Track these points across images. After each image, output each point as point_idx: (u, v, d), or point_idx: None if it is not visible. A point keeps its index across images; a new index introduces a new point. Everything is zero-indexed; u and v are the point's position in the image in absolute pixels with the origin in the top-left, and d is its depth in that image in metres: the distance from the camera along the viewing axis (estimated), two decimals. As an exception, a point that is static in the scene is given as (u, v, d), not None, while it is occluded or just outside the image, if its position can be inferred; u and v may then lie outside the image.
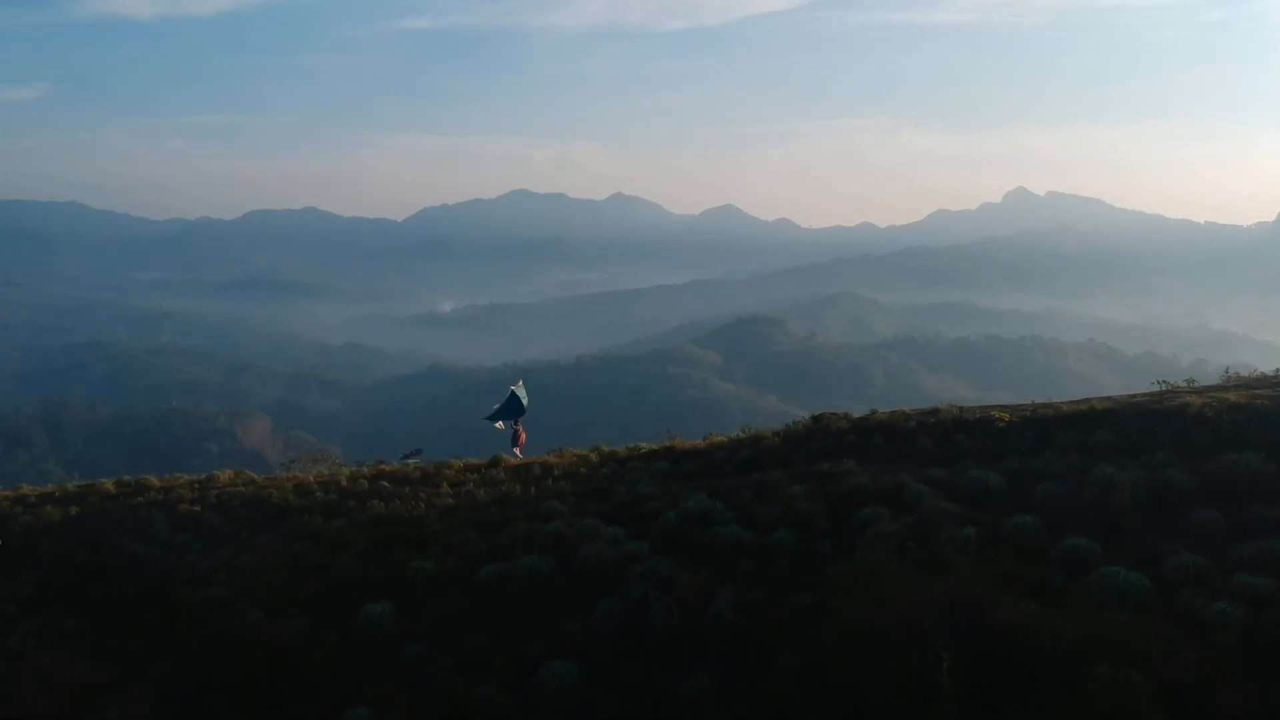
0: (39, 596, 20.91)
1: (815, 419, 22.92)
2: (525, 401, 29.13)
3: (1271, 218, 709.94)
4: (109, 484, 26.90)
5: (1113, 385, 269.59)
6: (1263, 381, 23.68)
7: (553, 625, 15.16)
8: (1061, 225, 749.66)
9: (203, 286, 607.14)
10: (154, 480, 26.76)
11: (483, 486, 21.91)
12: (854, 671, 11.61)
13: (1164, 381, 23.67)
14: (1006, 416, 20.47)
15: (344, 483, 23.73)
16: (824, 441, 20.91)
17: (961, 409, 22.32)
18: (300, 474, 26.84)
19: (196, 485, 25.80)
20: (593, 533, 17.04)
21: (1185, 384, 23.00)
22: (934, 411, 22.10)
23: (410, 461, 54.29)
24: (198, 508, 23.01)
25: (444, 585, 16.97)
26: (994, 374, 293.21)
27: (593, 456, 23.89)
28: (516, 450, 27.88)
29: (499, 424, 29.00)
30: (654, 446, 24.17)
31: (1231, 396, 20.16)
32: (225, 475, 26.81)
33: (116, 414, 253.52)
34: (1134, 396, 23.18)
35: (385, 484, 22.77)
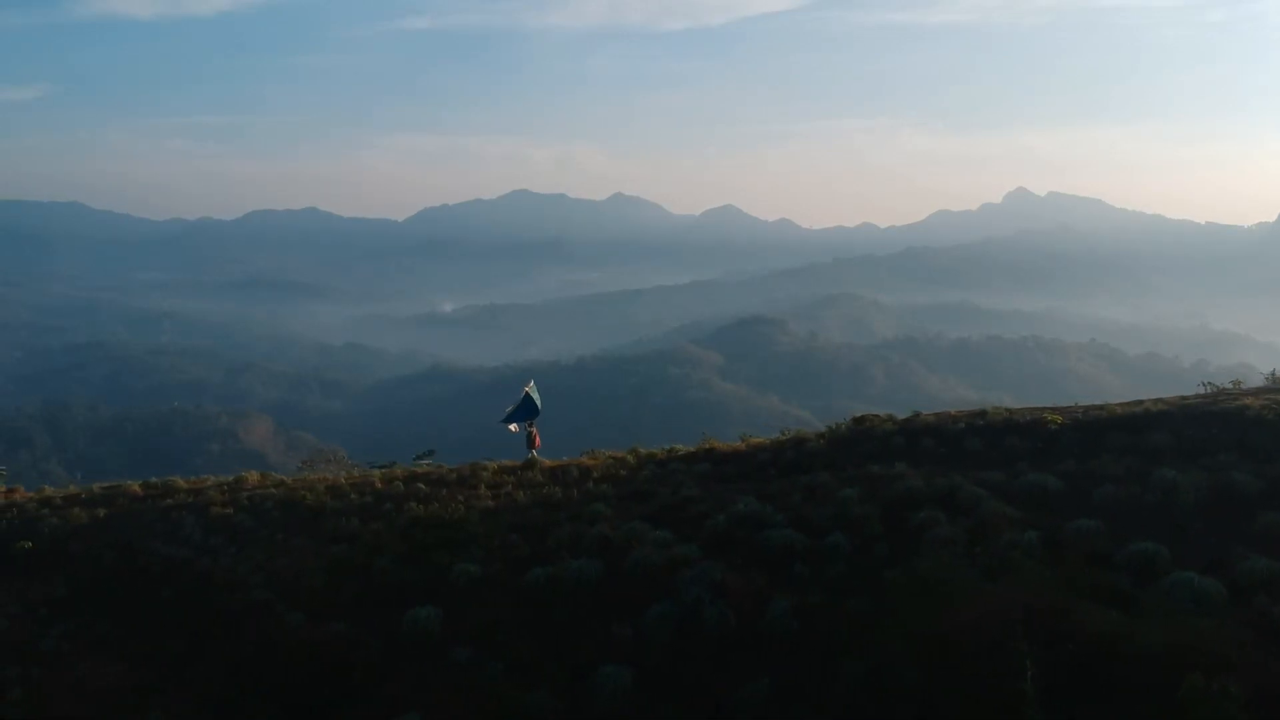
0: (71, 599, 20.68)
1: (857, 421, 22.68)
2: (539, 403, 28.87)
3: (1272, 218, 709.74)
4: (135, 486, 26.65)
5: (1115, 386, 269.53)
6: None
7: (603, 630, 14.92)
8: (1062, 225, 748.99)
9: (203, 287, 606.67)
10: (181, 482, 26.51)
11: (521, 489, 21.66)
12: (924, 679, 11.38)
13: (1209, 383, 23.44)
14: (1059, 419, 20.22)
15: (378, 484, 23.47)
16: (871, 444, 20.66)
17: (1011, 411, 22.08)
18: (331, 475, 26.54)
19: (226, 487, 25.54)
20: (639, 536, 16.80)
21: (1232, 385, 22.75)
22: (981, 414, 21.84)
23: (424, 463, 54.06)
24: (229, 510, 22.76)
25: (488, 589, 16.74)
26: (995, 374, 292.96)
27: (630, 459, 23.63)
28: (532, 452, 27.64)
29: (513, 426, 28.76)
30: (692, 448, 23.92)
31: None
32: (254, 477, 26.56)
33: (118, 414, 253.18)
34: (1186, 399, 22.95)
35: (421, 486, 22.50)
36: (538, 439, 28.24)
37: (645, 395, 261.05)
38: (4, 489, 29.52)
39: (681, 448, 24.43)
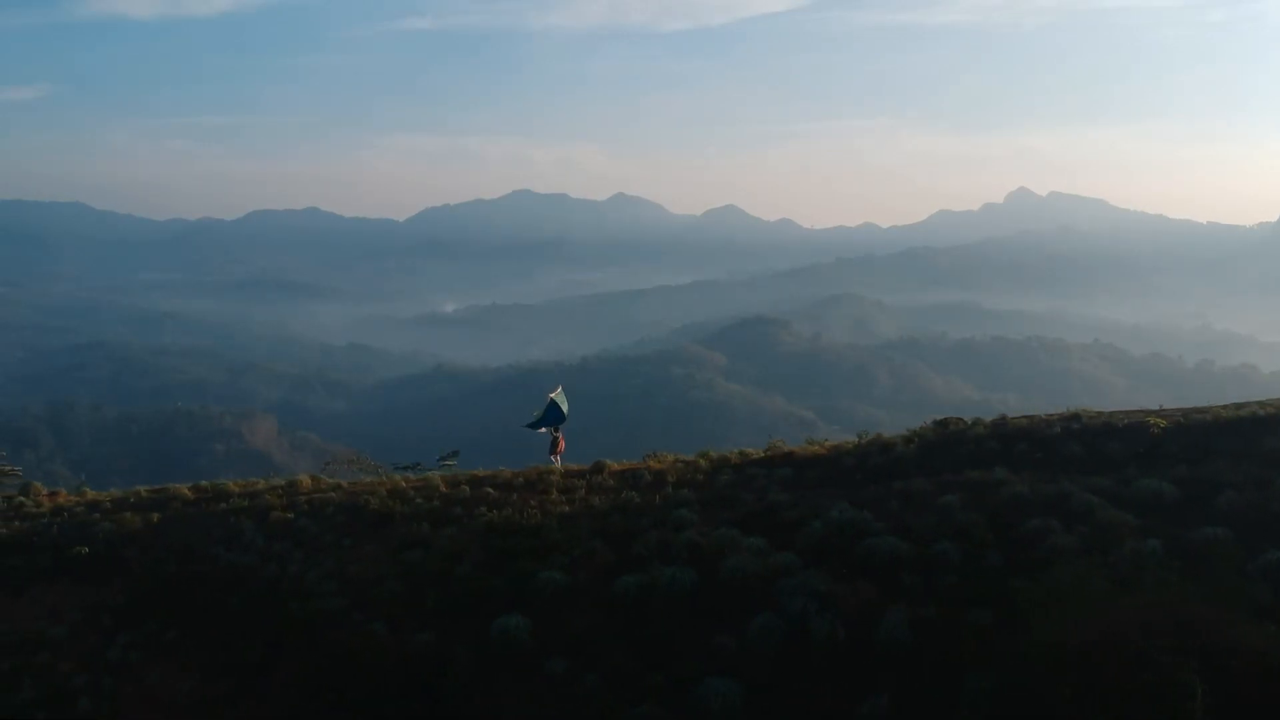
0: (133, 607, 20.27)
1: (939, 424, 22.29)
2: (566, 409, 28.52)
3: (1274, 218, 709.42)
4: (185, 489, 26.25)
5: (1120, 387, 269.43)
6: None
7: (703, 641, 14.51)
8: (1064, 226, 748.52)
9: (204, 287, 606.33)
10: (232, 485, 26.11)
11: (596, 493, 21.25)
12: (1063, 694, 10.97)
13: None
14: (1161, 423, 19.80)
15: (443, 488, 23.06)
16: (962, 449, 20.24)
17: (1109, 414, 21.66)
18: (388, 479, 26.13)
19: (280, 491, 25.13)
20: (732, 543, 16.39)
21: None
22: (1075, 416, 21.43)
23: (449, 463, 53.66)
24: (290, 515, 22.33)
25: (576, 597, 16.33)
26: (1000, 375, 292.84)
27: (701, 462, 23.22)
28: (555, 458, 27.28)
29: (541, 430, 28.44)
30: (765, 452, 23.50)
31: None
32: (307, 481, 26.15)
33: (122, 414, 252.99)
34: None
35: (489, 490, 22.09)
36: (562, 444, 27.90)
37: (649, 396, 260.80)
38: (46, 491, 29.16)
39: (753, 451, 24.03)
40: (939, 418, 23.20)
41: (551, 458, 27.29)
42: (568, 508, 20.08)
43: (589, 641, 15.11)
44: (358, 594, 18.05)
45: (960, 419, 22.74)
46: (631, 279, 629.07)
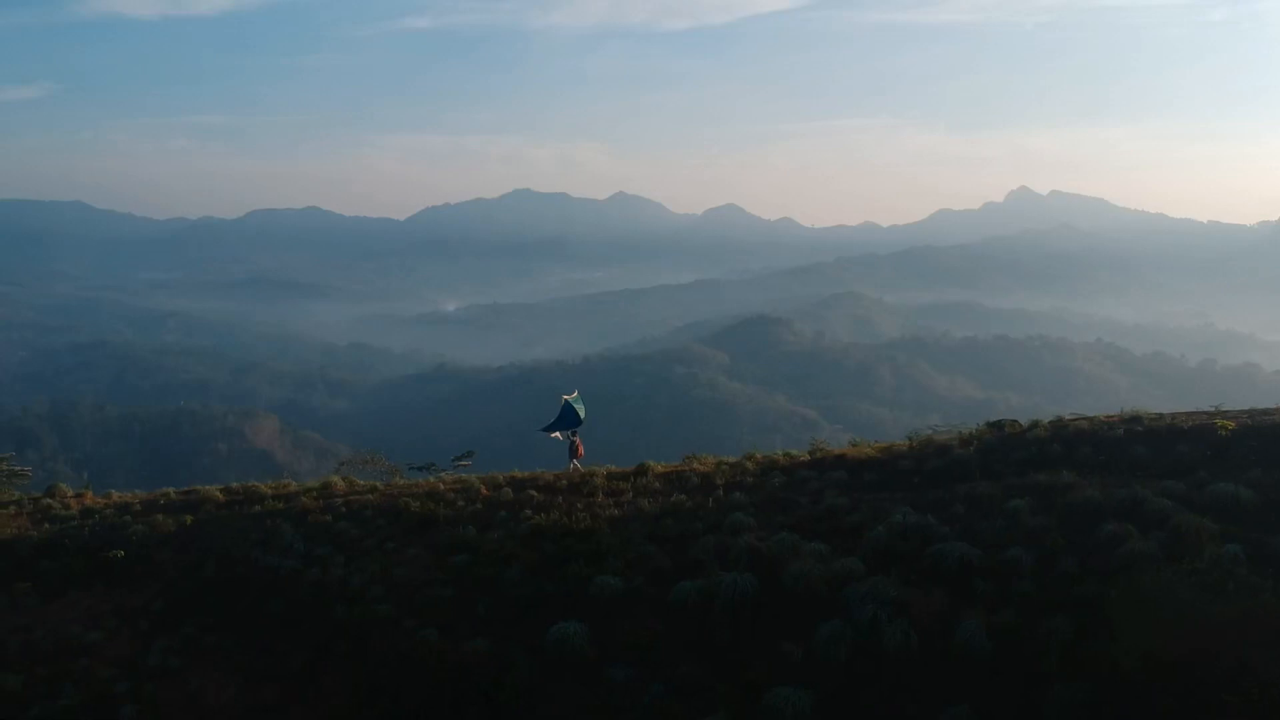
0: (170, 611, 19.94)
1: (993, 426, 21.95)
2: (582, 412, 28.19)
3: (1275, 217, 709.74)
4: (216, 491, 25.90)
5: (1122, 386, 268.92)
6: None
7: (769, 649, 14.21)
8: (1065, 225, 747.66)
9: (205, 286, 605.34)
10: (264, 487, 25.76)
11: (644, 496, 20.88)
12: (1164, 706, 10.66)
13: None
14: (1229, 424, 19.43)
15: (484, 490, 22.70)
16: (1025, 451, 19.89)
17: (1171, 415, 21.32)
18: (426, 481, 25.79)
19: (315, 493, 24.77)
20: (793, 549, 16.05)
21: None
22: (1135, 418, 21.10)
23: (462, 464, 53.33)
24: (328, 517, 21.98)
25: (633, 603, 16.01)
26: (1003, 374, 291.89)
27: (748, 464, 22.84)
28: (575, 462, 26.97)
29: (556, 435, 28.12)
30: (811, 454, 23.13)
31: None
32: (340, 482, 25.81)
33: (125, 414, 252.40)
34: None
35: (533, 493, 21.73)
36: (580, 448, 27.60)
37: (652, 395, 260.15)
38: (72, 493, 28.82)
39: (799, 453, 23.69)
40: (992, 420, 22.87)
41: (572, 461, 26.99)
42: (617, 511, 19.70)
43: (651, 649, 14.80)
44: (405, 599, 17.72)
45: (1015, 421, 22.43)
46: (632, 278, 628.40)
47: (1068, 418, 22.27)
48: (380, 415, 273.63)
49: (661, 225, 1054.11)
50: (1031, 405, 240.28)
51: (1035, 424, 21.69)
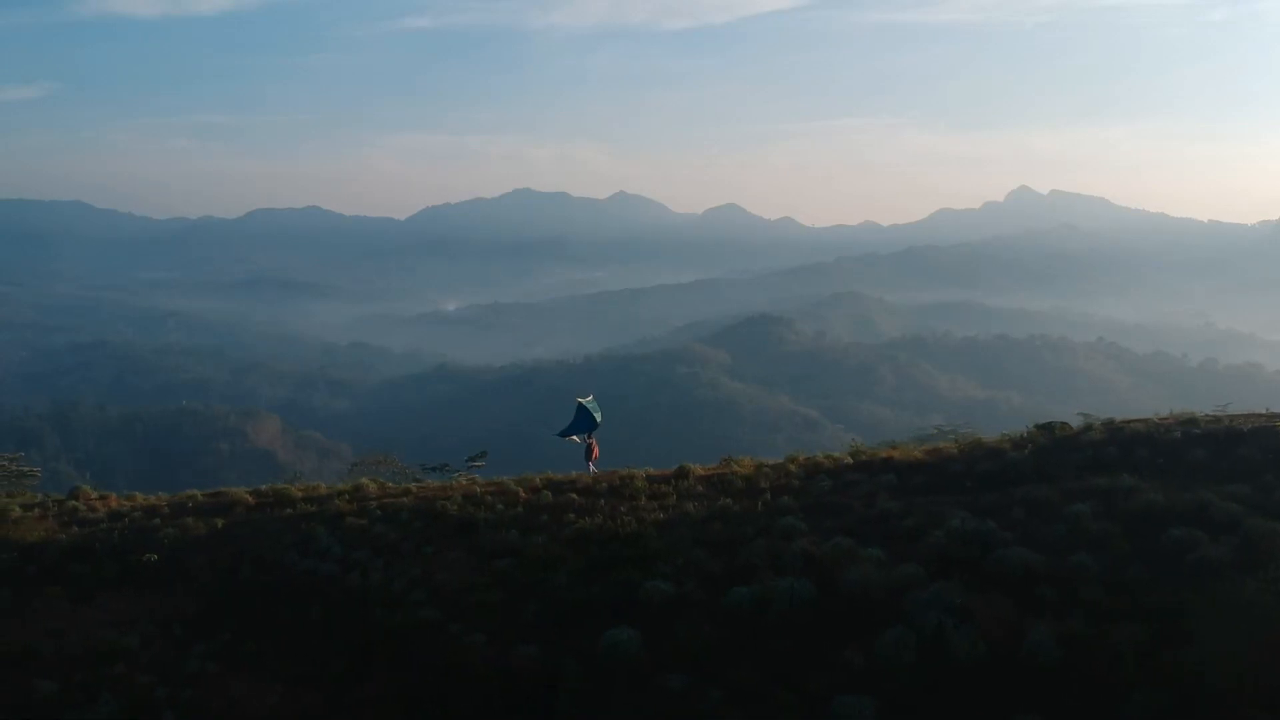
0: (206, 616, 19.72)
1: (1044, 428, 21.74)
2: (597, 416, 27.99)
3: (1276, 216, 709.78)
4: (244, 493, 25.68)
5: (1123, 385, 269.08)
6: None
7: (830, 656, 13.98)
8: (1065, 224, 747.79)
9: (205, 286, 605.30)
10: (295, 490, 25.54)
11: (689, 500, 20.67)
12: (1250, 717, 10.45)
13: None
14: None
15: (522, 494, 22.49)
16: (1079, 454, 19.68)
17: (1229, 417, 21.11)
18: (461, 483, 25.58)
19: (346, 496, 24.55)
20: (848, 554, 15.85)
21: None
22: (1192, 421, 20.89)
23: (475, 465, 53.08)
24: (364, 521, 21.76)
25: (685, 609, 15.78)
26: (1005, 374, 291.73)
27: (791, 467, 22.62)
28: (591, 465, 26.78)
29: (574, 438, 27.96)
30: (853, 456, 22.93)
31: None
32: (372, 485, 25.59)
33: (126, 414, 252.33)
34: None
35: (574, 496, 21.52)
36: (596, 451, 27.40)
37: (654, 394, 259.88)
38: (96, 495, 28.60)
39: (840, 455, 23.48)
40: (1041, 422, 22.66)
41: (589, 464, 26.79)
42: (662, 515, 19.46)
43: (707, 655, 14.57)
44: (449, 604, 17.49)
45: (1066, 424, 22.23)
46: (632, 278, 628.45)
47: (1120, 420, 22.04)
48: (382, 415, 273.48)
49: (662, 225, 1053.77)
50: (1034, 405, 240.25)
51: (1089, 426, 21.47)
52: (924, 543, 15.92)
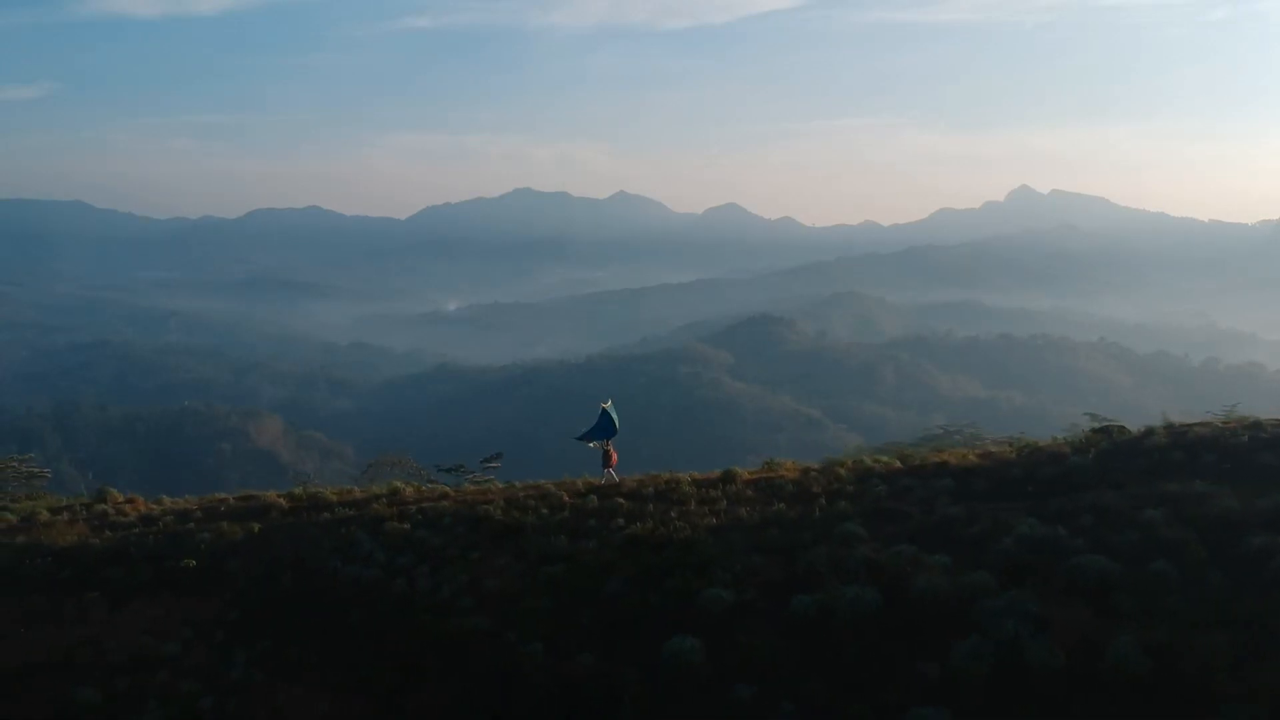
0: (248, 622, 19.42)
1: (1100, 432, 21.45)
2: (617, 421, 27.62)
3: (1276, 216, 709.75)
4: (276, 496, 25.38)
5: (1125, 385, 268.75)
6: None
7: (902, 667, 13.69)
8: (1066, 224, 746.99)
9: (206, 286, 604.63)
10: (330, 493, 25.24)
11: (739, 504, 20.36)
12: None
13: None
14: None
15: (565, 498, 22.19)
16: (1144, 459, 19.37)
17: None
18: (497, 485, 25.29)
19: (383, 499, 24.25)
20: (914, 561, 15.57)
21: None
22: (1257, 425, 20.57)
23: (491, 466, 52.78)
24: (406, 525, 21.46)
25: (747, 618, 15.48)
26: (1006, 374, 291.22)
27: (840, 471, 22.29)
28: (609, 471, 26.43)
29: (591, 444, 27.58)
30: (901, 460, 22.63)
31: None
32: (408, 489, 25.29)
33: (128, 413, 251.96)
34: None
35: (621, 500, 21.21)
36: (614, 457, 27.05)
37: (656, 394, 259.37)
38: (124, 498, 28.32)
39: (886, 459, 23.17)
40: (1096, 425, 22.39)
41: (608, 471, 26.45)
42: (714, 520, 19.17)
43: (774, 665, 14.29)
44: (499, 611, 17.18)
45: (1123, 427, 21.95)
46: (633, 277, 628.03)
47: (1183, 423, 21.69)
48: (384, 415, 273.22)
49: (662, 225, 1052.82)
50: (1037, 405, 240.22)
51: (1150, 430, 21.17)
52: (992, 550, 15.62)
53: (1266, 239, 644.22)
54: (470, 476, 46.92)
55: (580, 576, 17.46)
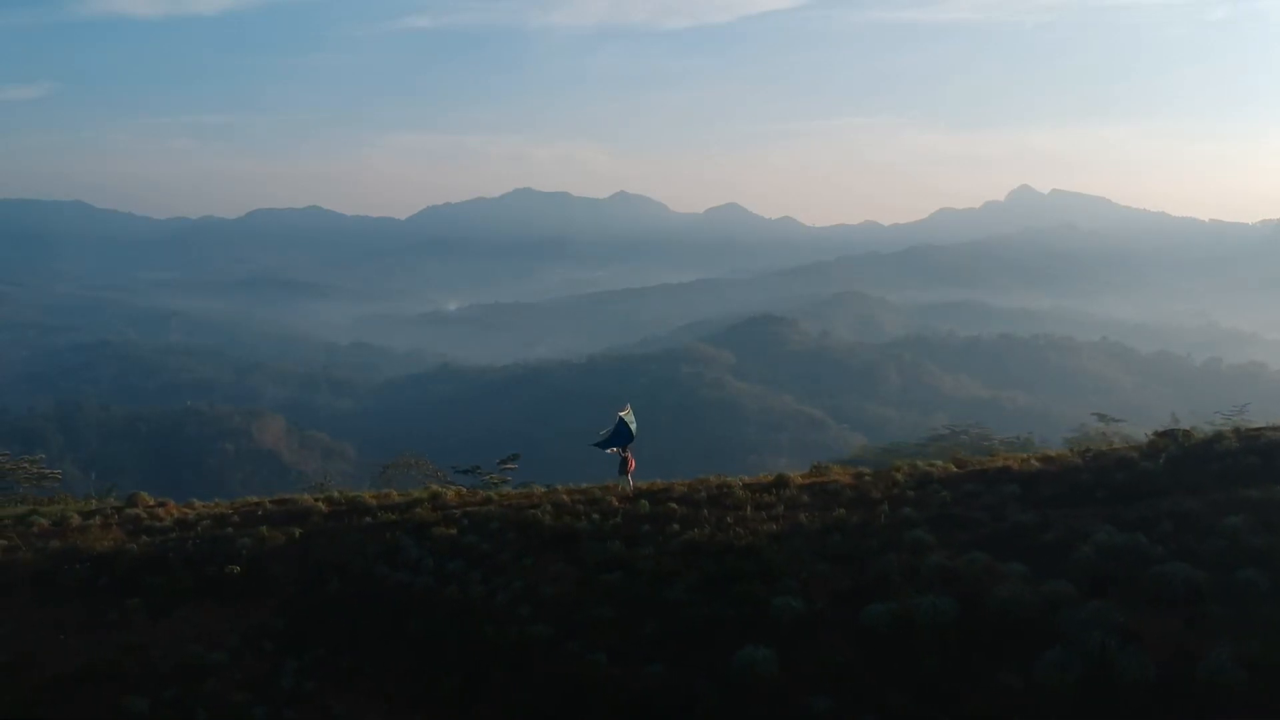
0: (295, 630, 19.09)
1: (1165, 435, 21.13)
2: (634, 428, 27.32)
3: (1277, 216, 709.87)
4: (314, 499, 25.05)
5: (1128, 385, 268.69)
6: None
7: (984, 678, 13.37)
8: (1066, 223, 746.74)
9: (206, 286, 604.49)
10: (369, 497, 24.93)
11: (797, 510, 20.04)
12: None
13: None
14: None
15: (614, 502, 21.88)
16: (1218, 464, 19.03)
17: None
18: (539, 489, 24.98)
19: (425, 503, 23.93)
20: (988, 569, 15.26)
21: None
22: None
23: (508, 467, 52.39)
24: (453, 531, 21.12)
25: (818, 627, 15.17)
26: (1009, 373, 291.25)
27: (897, 475, 21.97)
28: (627, 477, 26.16)
29: (609, 451, 27.30)
30: (954, 465, 22.30)
31: None
32: (450, 493, 24.97)
33: (130, 414, 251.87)
34: None
35: (674, 505, 20.90)
36: (632, 463, 26.77)
37: (658, 394, 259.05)
38: (154, 502, 28.01)
39: (940, 464, 22.83)
40: (1160, 429, 22.08)
41: (626, 478, 26.17)
42: (774, 526, 18.84)
43: (850, 676, 13.99)
44: (560, 619, 16.86)
45: (1189, 431, 21.65)
46: (633, 277, 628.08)
47: (1250, 427, 21.41)
48: (386, 415, 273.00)
49: (663, 224, 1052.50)
50: (1040, 405, 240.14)
51: (1220, 434, 20.85)
52: (1070, 558, 15.29)
53: (1267, 239, 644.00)
54: (487, 477, 46.60)
55: (640, 584, 17.13)
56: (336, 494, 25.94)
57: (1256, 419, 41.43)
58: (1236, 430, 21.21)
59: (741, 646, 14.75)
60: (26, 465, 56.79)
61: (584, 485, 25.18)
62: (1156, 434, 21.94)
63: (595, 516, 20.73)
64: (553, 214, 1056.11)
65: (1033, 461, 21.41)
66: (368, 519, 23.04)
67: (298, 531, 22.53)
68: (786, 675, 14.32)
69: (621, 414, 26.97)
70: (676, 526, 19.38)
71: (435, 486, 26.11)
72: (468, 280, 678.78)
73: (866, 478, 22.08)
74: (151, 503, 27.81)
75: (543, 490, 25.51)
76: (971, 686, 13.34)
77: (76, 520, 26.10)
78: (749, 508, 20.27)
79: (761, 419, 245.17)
